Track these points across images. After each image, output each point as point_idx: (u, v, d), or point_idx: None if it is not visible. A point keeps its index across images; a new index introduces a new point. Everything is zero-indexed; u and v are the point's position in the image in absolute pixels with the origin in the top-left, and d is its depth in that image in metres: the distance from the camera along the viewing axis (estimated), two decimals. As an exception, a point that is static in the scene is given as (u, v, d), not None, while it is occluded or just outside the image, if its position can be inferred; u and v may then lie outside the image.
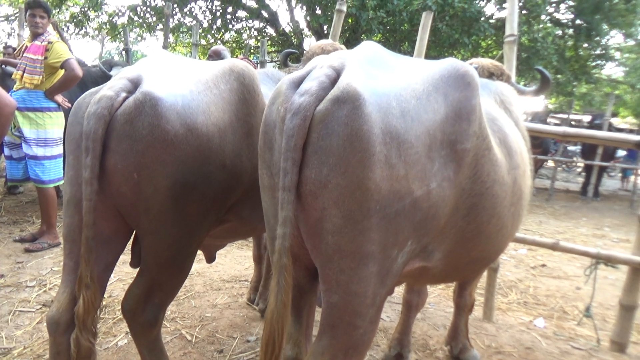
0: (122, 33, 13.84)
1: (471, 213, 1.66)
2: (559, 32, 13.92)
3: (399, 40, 12.45)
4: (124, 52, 9.91)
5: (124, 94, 1.77)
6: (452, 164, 1.50)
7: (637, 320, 3.59)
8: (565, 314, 4.12)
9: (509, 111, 2.37)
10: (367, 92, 1.32)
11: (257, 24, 15.38)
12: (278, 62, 14.30)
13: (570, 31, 13.99)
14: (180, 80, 1.90)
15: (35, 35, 4.42)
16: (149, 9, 14.40)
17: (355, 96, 1.30)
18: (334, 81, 1.40)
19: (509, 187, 1.81)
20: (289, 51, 3.43)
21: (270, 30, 15.24)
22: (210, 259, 2.84)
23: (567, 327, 3.77)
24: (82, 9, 14.83)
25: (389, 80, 1.43)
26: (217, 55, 5.31)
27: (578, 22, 13.33)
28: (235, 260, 4.80)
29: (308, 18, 13.21)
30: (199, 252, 2.46)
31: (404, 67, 1.56)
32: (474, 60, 2.91)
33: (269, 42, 14.55)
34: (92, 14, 15.18)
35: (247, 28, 15.58)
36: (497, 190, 1.72)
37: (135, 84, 1.81)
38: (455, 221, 1.64)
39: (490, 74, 2.77)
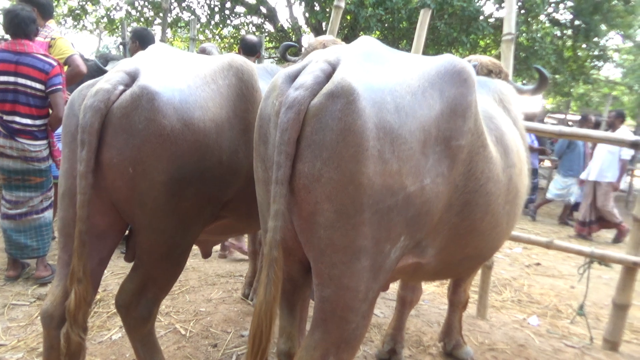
0: (119, 27, 13.79)
1: (465, 210, 1.67)
2: (558, 33, 13.94)
3: (397, 37, 12.43)
4: (121, 47, 9.87)
5: (121, 87, 1.76)
6: (447, 160, 1.50)
7: (629, 320, 3.61)
8: (559, 312, 4.14)
9: (507, 110, 2.37)
10: (361, 87, 1.33)
11: (255, 19, 15.34)
12: (276, 58, 14.28)
13: (569, 31, 14.00)
14: (178, 75, 1.89)
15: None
16: (147, 3, 14.36)
17: (349, 91, 1.31)
18: (329, 75, 1.41)
19: (503, 185, 1.81)
20: (288, 44, 3.43)
21: (268, 26, 15.21)
22: (206, 254, 2.84)
23: (561, 326, 3.79)
24: (80, 3, 14.75)
25: (384, 76, 1.43)
26: (204, 54, 5.26)
27: (577, 22, 13.32)
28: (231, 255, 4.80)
29: (307, 14, 13.18)
30: (195, 247, 2.46)
31: (400, 62, 1.56)
32: (472, 57, 2.91)
33: (267, 38, 14.53)
34: (89, 8, 15.11)
35: (245, 24, 15.54)
36: (491, 188, 1.72)
37: (132, 77, 1.80)
38: (448, 218, 1.64)
39: (489, 72, 2.77)
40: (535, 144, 8.61)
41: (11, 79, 3.40)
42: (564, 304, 4.34)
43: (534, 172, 8.95)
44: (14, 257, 3.67)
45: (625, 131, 7.40)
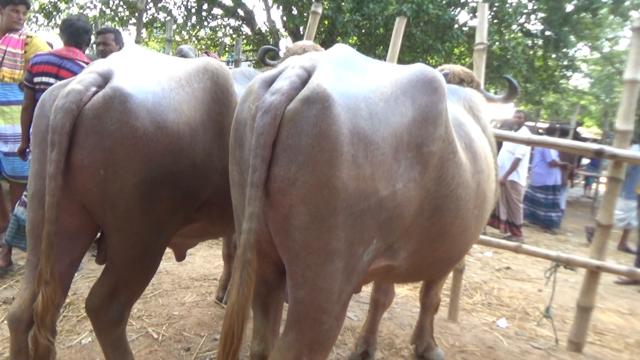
0: (93, 26, 13.53)
1: (436, 214, 1.71)
2: (529, 42, 14.34)
3: (374, 43, 12.57)
4: (94, 46, 9.69)
5: (93, 89, 1.74)
6: (418, 165, 1.54)
7: (593, 321, 3.74)
8: (527, 314, 4.25)
9: (477, 117, 2.44)
10: (336, 93, 1.36)
11: (232, 22, 15.26)
12: (253, 61, 14.26)
13: (540, 42, 14.41)
14: (152, 77, 1.88)
15: (11, 30, 4.28)
16: (121, 3, 14.12)
17: (325, 97, 1.33)
18: (305, 81, 1.43)
19: (472, 190, 1.87)
20: (267, 47, 3.45)
21: (246, 29, 15.14)
22: (180, 257, 2.81)
23: (528, 328, 3.89)
24: (52, 0, 14.41)
25: (358, 83, 1.47)
26: (180, 55, 5.21)
27: (547, 33, 13.73)
28: (205, 259, 4.77)
29: (284, 18, 13.19)
30: (168, 250, 2.44)
31: (374, 70, 1.60)
32: (445, 66, 2.99)
33: (245, 41, 14.47)
34: (62, 5, 14.76)
35: (222, 26, 15.44)
36: (461, 193, 1.77)
37: (105, 79, 1.78)
38: (420, 222, 1.68)
39: (461, 80, 2.85)
40: (555, 160, 8.30)
41: (52, 80, 3.53)
42: (532, 307, 4.46)
43: (554, 189, 8.52)
44: (14, 246, 3.67)
45: (525, 131, 7.61)
